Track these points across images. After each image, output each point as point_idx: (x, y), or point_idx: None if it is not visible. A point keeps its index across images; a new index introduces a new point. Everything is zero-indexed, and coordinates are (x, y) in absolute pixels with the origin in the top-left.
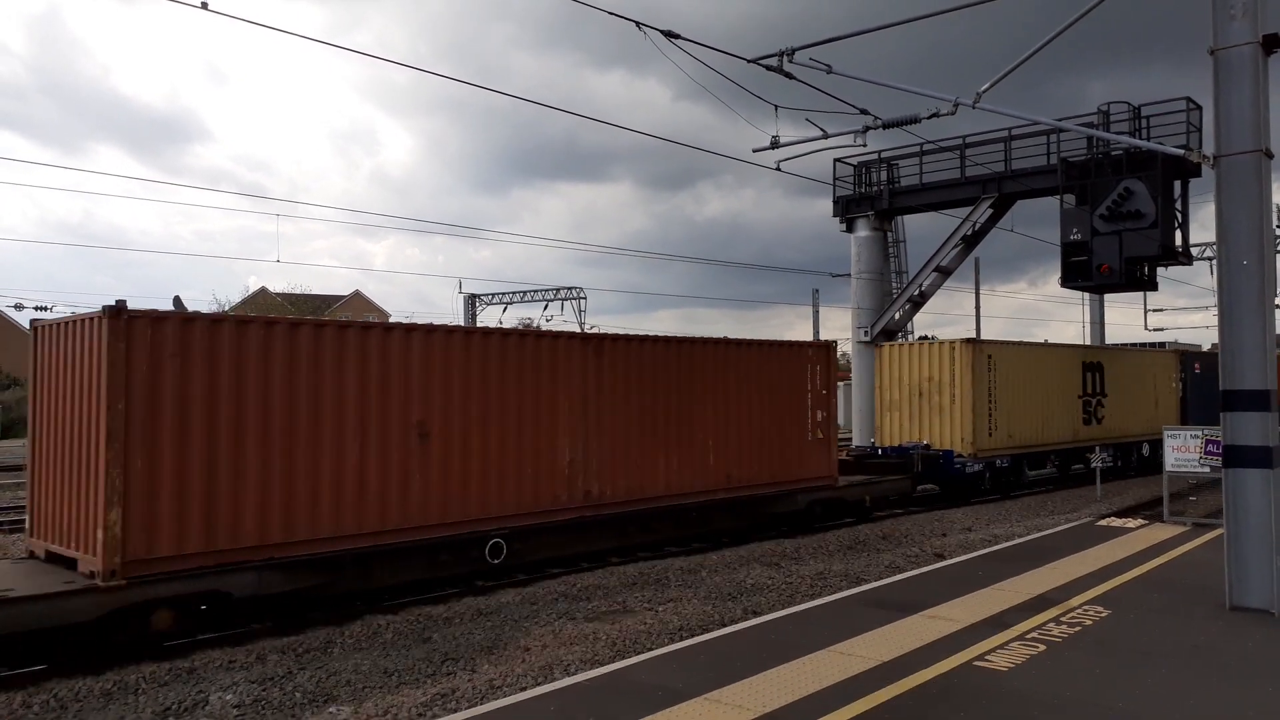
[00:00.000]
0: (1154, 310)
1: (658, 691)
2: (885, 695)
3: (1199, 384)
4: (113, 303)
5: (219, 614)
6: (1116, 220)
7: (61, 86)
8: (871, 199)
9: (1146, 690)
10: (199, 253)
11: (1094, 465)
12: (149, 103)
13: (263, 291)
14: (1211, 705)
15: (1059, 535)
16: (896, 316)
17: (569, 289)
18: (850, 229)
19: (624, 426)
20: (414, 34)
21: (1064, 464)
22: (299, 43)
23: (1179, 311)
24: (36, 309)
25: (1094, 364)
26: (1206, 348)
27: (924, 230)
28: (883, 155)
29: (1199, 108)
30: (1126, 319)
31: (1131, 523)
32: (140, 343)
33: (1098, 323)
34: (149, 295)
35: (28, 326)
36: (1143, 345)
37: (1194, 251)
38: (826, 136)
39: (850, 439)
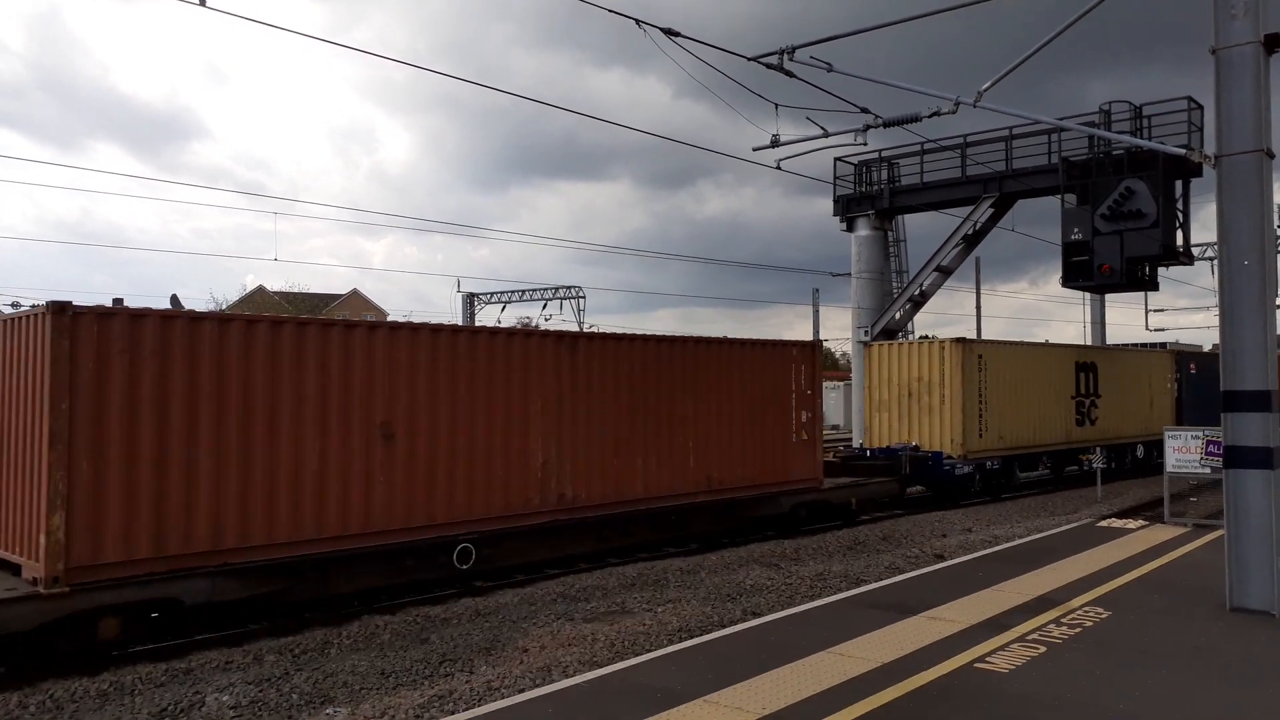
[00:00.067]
0: (1155, 310)
1: (656, 693)
2: (885, 697)
3: (1195, 384)
4: (109, 301)
5: (169, 622)
6: (1118, 220)
7: (60, 84)
8: (872, 198)
9: (1147, 691)
10: (197, 251)
11: (1095, 466)
12: (148, 101)
13: (260, 290)
14: (1212, 706)
15: (1059, 536)
16: (897, 316)
17: (568, 288)
18: (850, 228)
19: (600, 427)
20: (414, 32)
21: (1057, 466)
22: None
23: (1180, 312)
24: (32, 307)
25: (1087, 364)
26: (1208, 348)
27: (924, 230)
28: (883, 154)
29: (1200, 107)
30: (1127, 319)
31: (1132, 524)
32: (86, 340)
33: (1099, 323)
34: (147, 294)
35: None
36: (1143, 345)
37: (1195, 251)
38: (827, 135)
39: (850, 439)
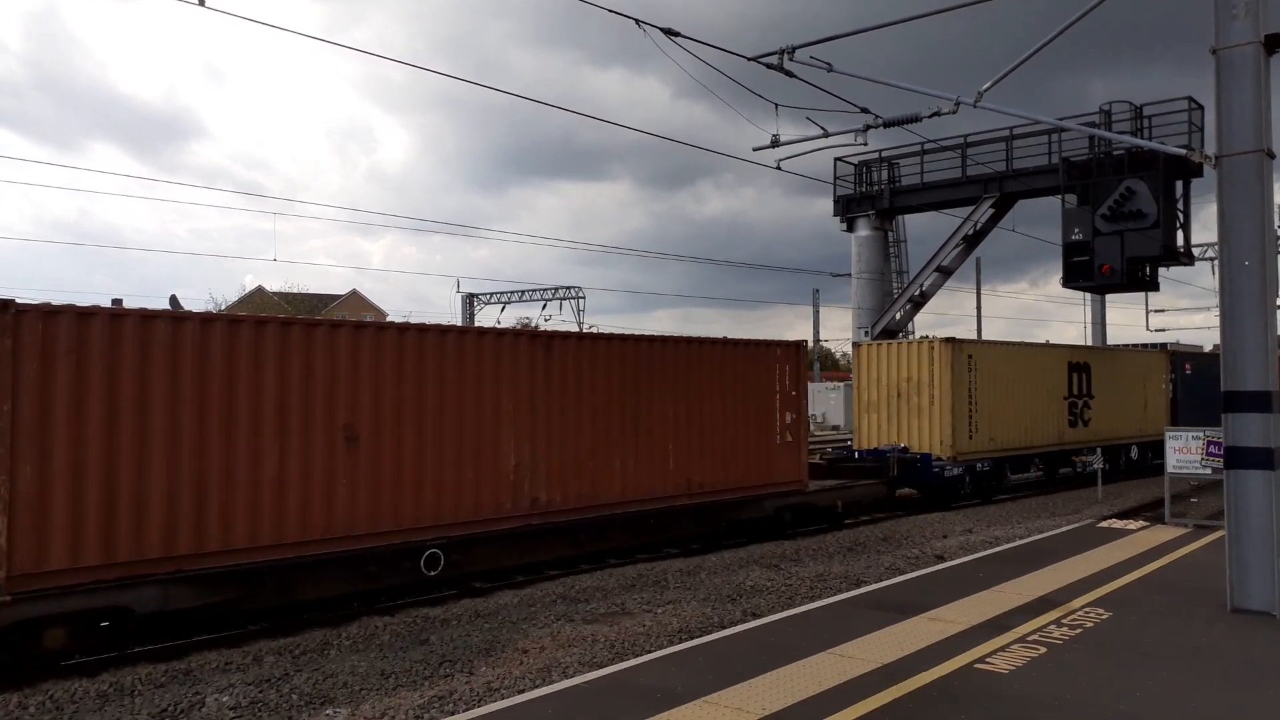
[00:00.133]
0: (1156, 311)
1: (657, 694)
2: (885, 698)
3: (1191, 385)
4: (108, 301)
5: (120, 632)
6: (1118, 220)
7: (58, 83)
8: (872, 198)
9: (1147, 692)
10: (196, 251)
11: (1095, 467)
12: (146, 100)
13: (259, 290)
14: (1213, 707)
15: (1060, 537)
16: (897, 316)
17: (567, 288)
18: (851, 228)
19: (576, 429)
20: (412, 31)
21: (1050, 468)
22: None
23: (1181, 312)
24: None
25: (1081, 364)
26: (1209, 348)
27: (925, 230)
28: (883, 154)
29: (1200, 107)
30: (1128, 319)
31: (1132, 524)
32: (30, 339)
33: (1099, 323)
34: (146, 294)
35: None
36: (1144, 346)
37: (1196, 252)
38: (827, 135)
39: (850, 441)
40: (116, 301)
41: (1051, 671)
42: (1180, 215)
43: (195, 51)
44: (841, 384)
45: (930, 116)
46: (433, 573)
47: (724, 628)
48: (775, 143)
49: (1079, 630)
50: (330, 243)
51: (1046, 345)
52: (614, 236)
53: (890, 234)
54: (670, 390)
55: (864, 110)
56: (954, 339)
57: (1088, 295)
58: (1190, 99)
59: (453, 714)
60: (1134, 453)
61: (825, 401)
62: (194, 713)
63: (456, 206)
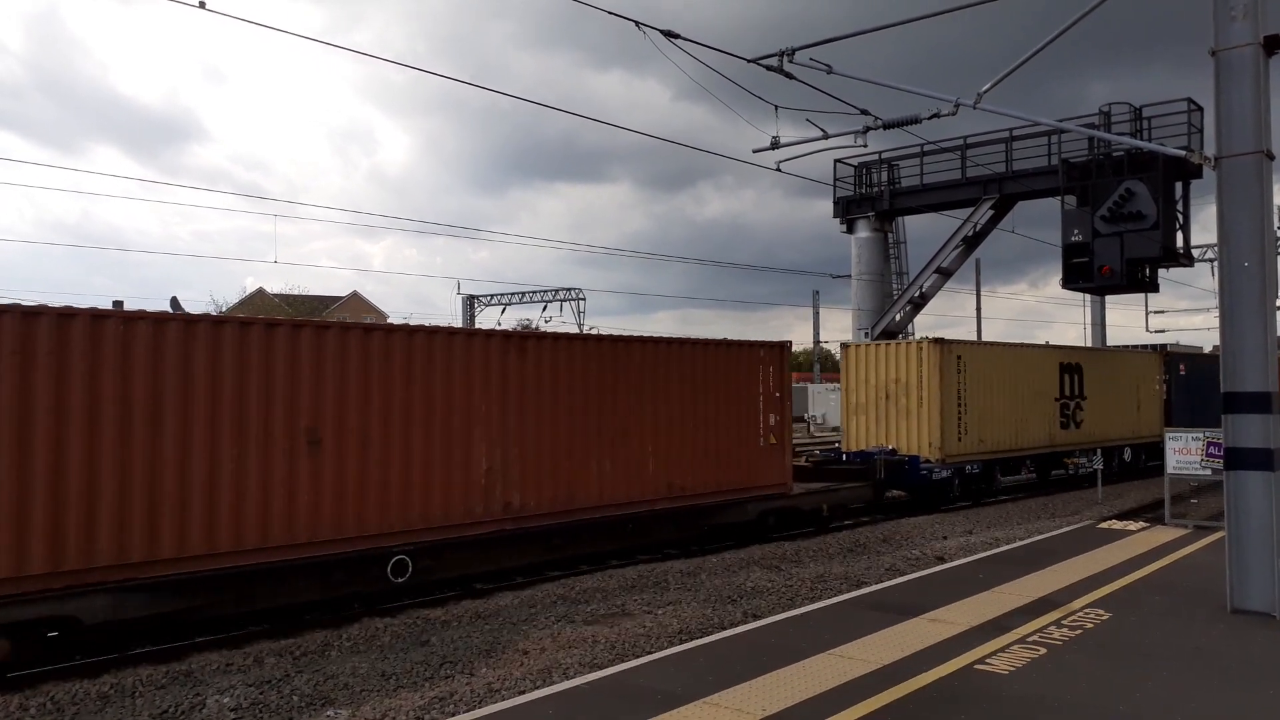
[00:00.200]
0: (1155, 312)
1: (657, 695)
2: (885, 699)
3: (1185, 386)
4: (109, 303)
5: (69, 642)
6: (1118, 221)
7: (59, 85)
8: (872, 200)
9: (1148, 693)
10: (197, 253)
11: (1094, 468)
12: (147, 102)
13: (260, 292)
14: (1213, 708)
15: (1060, 538)
16: (897, 318)
17: (568, 290)
18: (851, 230)
19: (551, 432)
20: (412, 33)
21: (1042, 470)
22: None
23: (1181, 313)
24: None
25: (1072, 365)
26: (1209, 349)
27: (925, 231)
28: (883, 156)
29: (1200, 109)
30: (1128, 320)
31: (1133, 525)
32: None
33: (1099, 324)
34: (147, 296)
35: None
36: (1142, 347)
37: (1195, 253)
38: (827, 137)
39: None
40: (118, 304)
41: (1052, 672)
42: (1180, 216)
43: (195, 53)
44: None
45: (930, 118)
46: (400, 579)
47: (724, 629)
48: (775, 144)
49: (1079, 631)
50: (331, 245)
51: (1037, 346)
52: (614, 238)
53: (890, 235)
54: (650, 392)
55: (864, 112)
56: (942, 339)
57: (1087, 296)
58: (1190, 100)
59: (453, 715)
60: (1127, 454)
61: (825, 402)
62: (195, 714)
63: (457, 209)
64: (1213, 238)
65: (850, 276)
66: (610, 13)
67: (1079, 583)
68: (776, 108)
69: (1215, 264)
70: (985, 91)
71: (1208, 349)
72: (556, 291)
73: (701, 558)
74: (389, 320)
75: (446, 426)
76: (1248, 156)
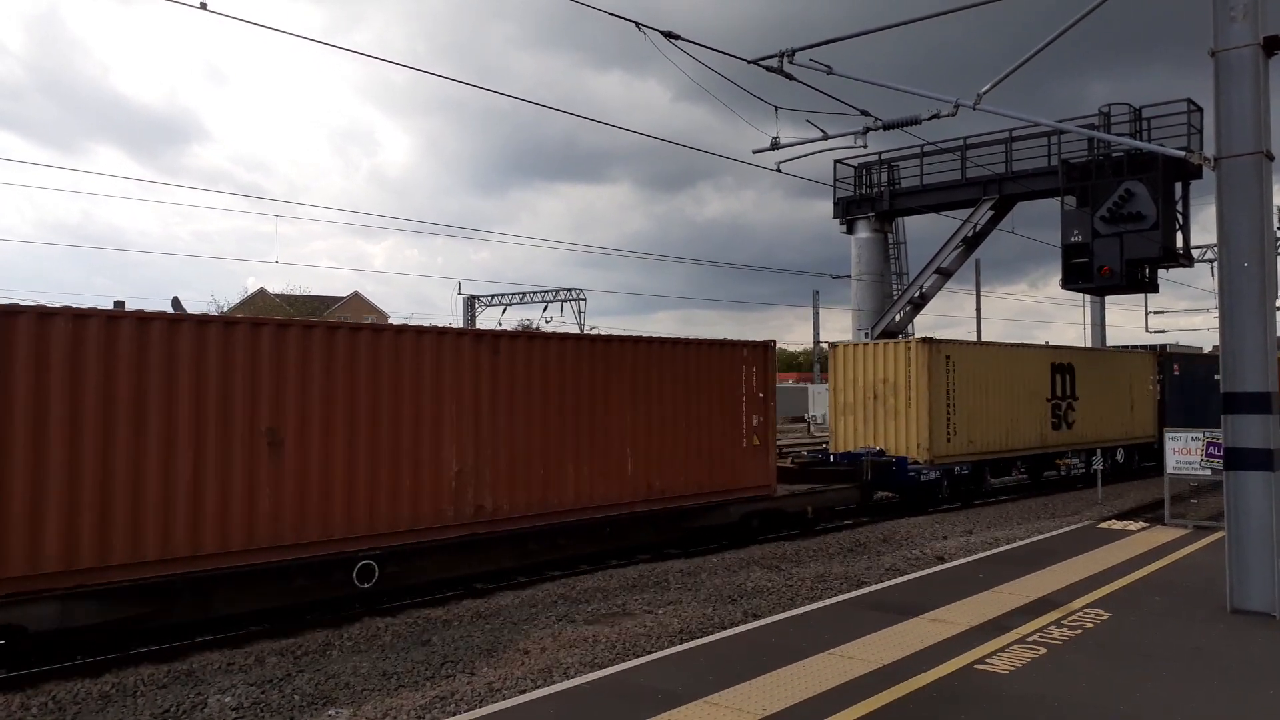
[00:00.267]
0: (1155, 312)
1: (658, 694)
2: (885, 698)
3: (1179, 386)
4: (110, 304)
5: (15, 651)
6: (1117, 222)
7: (60, 86)
8: (872, 200)
9: (1148, 693)
10: (198, 253)
11: (1095, 468)
12: (148, 103)
13: (261, 292)
14: (1213, 708)
15: (1060, 538)
16: (897, 318)
17: (568, 290)
18: (851, 230)
19: (525, 433)
20: (413, 34)
21: (1033, 471)
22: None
23: (1180, 313)
24: None
25: (1064, 365)
26: (1208, 349)
27: (924, 232)
28: (883, 156)
29: (1200, 109)
30: (1128, 321)
31: (1132, 526)
32: None
33: (1099, 325)
34: (148, 296)
35: None
36: (1141, 347)
37: (1195, 253)
38: (827, 137)
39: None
40: (118, 304)
41: (1052, 672)
42: (1179, 217)
43: (196, 54)
44: None
45: (930, 119)
46: (366, 585)
47: (725, 628)
48: (775, 145)
49: (1079, 631)
50: (332, 245)
51: (1028, 346)
52: (615, 239)
53: (890, 236)
54: (629, 392)
55: (864, 113)
56: (931, 339)
57: (1087, 297)
58: (1189, 101)
59: (454, 714)
60: (1120, 455)
61: (825, 403)
62: (196, 713)
63: (458, 209)
64: (1213, 238)
65: (850, 277)
66: (610, 13)
67: (1079, 583)
68: (776, 108)
69: (1215, 264)
70: (985, 92)
71: (1207, 349)
72: (557, 292)
73: (702, 558)
74: (390, 320)
75: (415, 428)
76: (1247, 157)
